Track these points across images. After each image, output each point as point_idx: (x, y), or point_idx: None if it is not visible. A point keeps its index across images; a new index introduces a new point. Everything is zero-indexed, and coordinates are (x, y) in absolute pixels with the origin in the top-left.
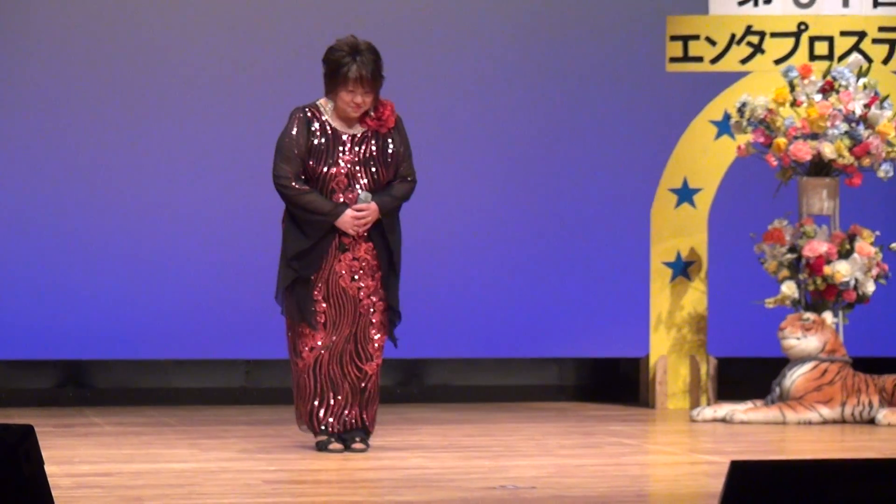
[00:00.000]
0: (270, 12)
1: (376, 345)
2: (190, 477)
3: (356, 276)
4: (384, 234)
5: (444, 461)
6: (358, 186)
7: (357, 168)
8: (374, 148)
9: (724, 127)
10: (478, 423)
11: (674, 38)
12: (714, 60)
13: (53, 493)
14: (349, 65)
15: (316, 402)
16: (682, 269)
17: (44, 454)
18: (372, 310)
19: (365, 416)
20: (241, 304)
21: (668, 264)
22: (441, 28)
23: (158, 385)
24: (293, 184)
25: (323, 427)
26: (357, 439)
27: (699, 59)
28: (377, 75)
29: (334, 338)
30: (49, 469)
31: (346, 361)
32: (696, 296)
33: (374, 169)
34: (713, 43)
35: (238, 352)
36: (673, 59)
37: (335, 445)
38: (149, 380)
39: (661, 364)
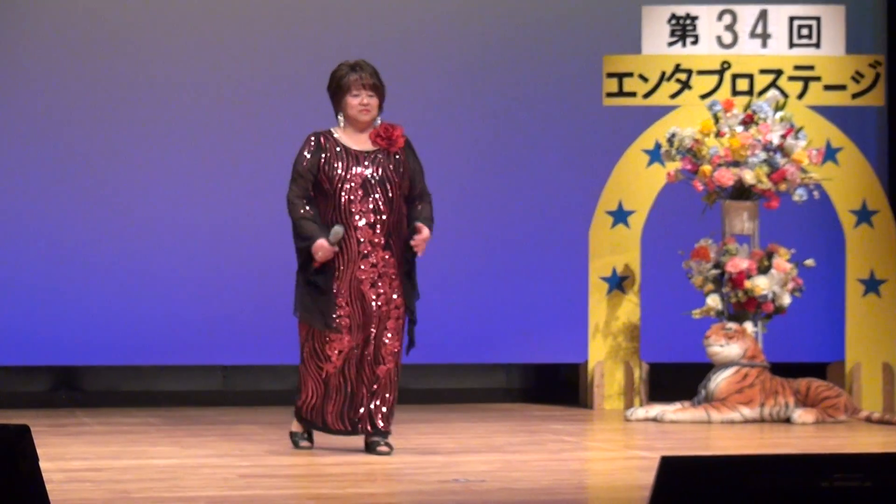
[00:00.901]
0: (271, 28)
1: (389, 349)
2: (172, 471)
3: (376, 283)
4: (403, 245)
5: (403, 457)
6: (367, 209)
7: (371, 184)
8: (386, 165)
9: (655, 155)
10: (433, 423)
11: (610, 75)
12: (646, 95)
13: (47, 486)
14: (349, 73)
15: (345, 405)
16: (618, 283)
17: (38, 451)
18: (388, 316)
19: (376, 414)
20: (219, 314)
21: (605, 279)
22: (396, 65)
23: (143, 388)
24: (295, 204)
25: (348, 427)
26: (379, 443)
27: (633, 94)
28: (378, 80)
29: (355, 341)
30: (43, 465)
31: (363, 365)
32: (630, 307)
33: (387, 185)
34: (645, 79)
35: (215, 358)
36: (609, 94)
37: (305, 443)
38: (134, 383)
39: (598, 369)
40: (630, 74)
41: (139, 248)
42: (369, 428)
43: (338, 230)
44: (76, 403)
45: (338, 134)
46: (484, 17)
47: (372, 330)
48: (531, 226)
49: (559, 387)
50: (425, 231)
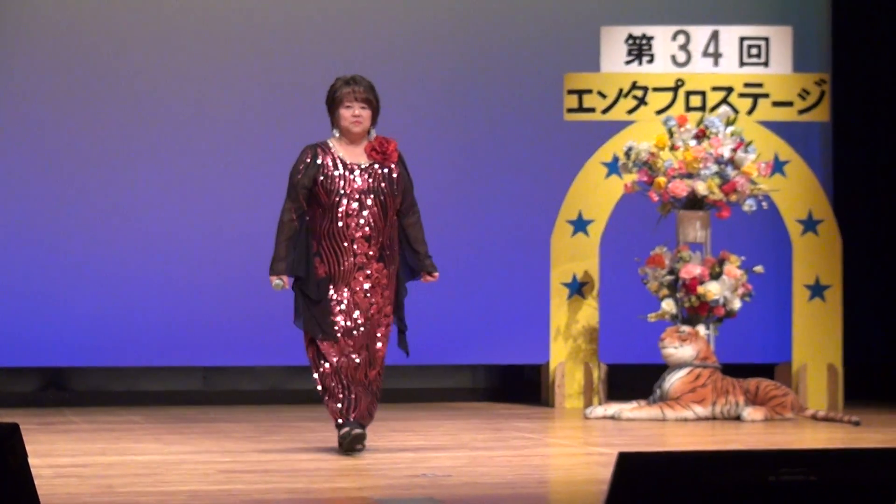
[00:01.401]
0: (262, 41)
1: (380, 353)
2: (155, 467)
3: (368, 294)
4: (395, 260)
5: (374, 454)
6: (364, 217)
7: (366, 197)
8: (381, 177)
9: (613, 168)
10: (402, 421)
11: (570, 91)
12: (605, 111)
13: (36, 481)
14: (343, 87)
15: (341, 404)
16: (578, 288)
17: (28, 448)
18: (379, 323)
19: (365, 413)
20: (200, 318)
21: (566, 284)
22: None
23: (128, 388)
24: (284, 220)
25: (350, 421)
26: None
27: (592, 110)
28: (370, 93)
29: (350, 348)
30: (32, 461)
31: (360, 368)
32: (589, 311)
33: (381, 197)
34: (604, 96)
35: (196, 360)
36: (570, 110)
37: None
38: (119, 384)
39: (559, 370)
40: (589, 91)
41: (124, 255)
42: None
43: (277, 285)
44: (64, 403)
45: (333, 146)
46: (453, 38)
47: (366, 339)
48: (496, 234)
49: (522, 386)
50: (436, 275)
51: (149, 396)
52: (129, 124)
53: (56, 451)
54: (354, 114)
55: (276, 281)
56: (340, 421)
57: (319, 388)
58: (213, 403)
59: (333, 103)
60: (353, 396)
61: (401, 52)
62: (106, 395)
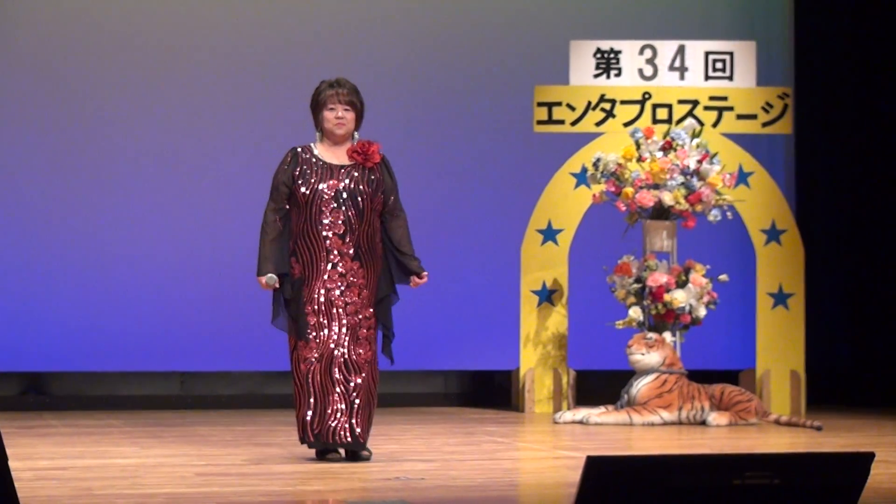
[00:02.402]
0: (248, 47)
1: (363, 357)
2: (133, 470)
3: (344, 292)
4: (376, 262)
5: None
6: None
7: (343, 196)
8: (360, 179)
9: (581, 178)
10: (376, 426)
11: (540, 104)
12: (574, 123)
13: (16, 484)
14: (327, 89)
15: (310, 413)
16: (547, 296)
17: (8, 451)
18: (359, 325)
19: (357, 427)
20: (177, 324)
21: (535, 292)
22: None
23: (106, 393)
24: (267, 220)
25: (316, 435)
26: (359, 452)
27: (561, 122)
28: (354, 95)
29: (323, 349)
30: (12, 464)
31: (334, 372)
32: (558, 318)
33: (359, 198)
34: (573, 108)
35: (174, 365)
36: (539, 122)
37: (333, 455)
38: (98, 388)
39: (529, 375)
40: (559, 103)
41: (103, 261)
42: (349, 439)
43: (270, 280)
44: (43, 407)
45: (316, 148)
46: (425, 51)
47: (343, 338)
48: (467, 242)
49: (493, 392)
50: (425, 279)
51: (127, 401)
52: (110, 133)
53: (36, 455)
54: (338, 115)
55: (265, 280)
56: (317, 435)
57: (297, 396)
58: (191, 408)
59: (317, 105)
60: (321, 408)
61: (373, 64)
62: (85, 400)
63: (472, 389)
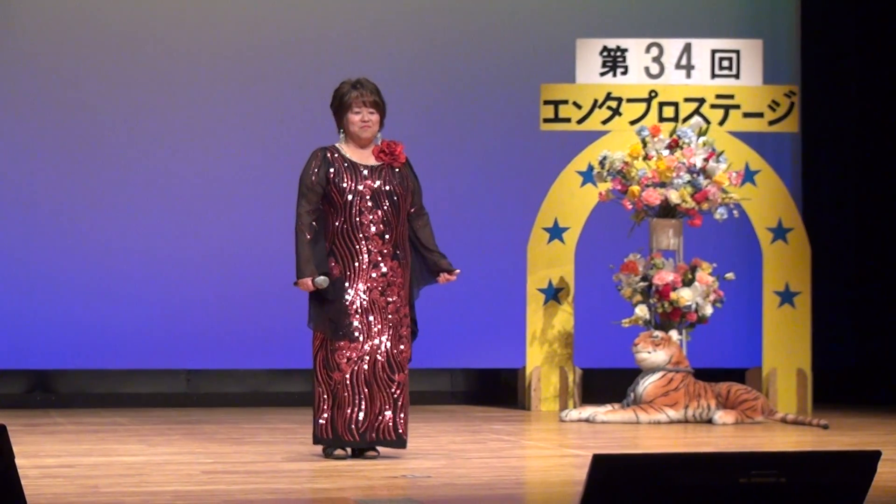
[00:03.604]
0: (259, 46)
1: (405, 356)
2: (139, 468)
3: (385, 292)
4: (408, 261)
5: (355, 455)
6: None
7: (380, 196)
8: (391, 178)
9: (588, 176)
10: None
11: (546, 102)
12: (580, 121)
13: (23, 481)
14: (351, 91)
15: (353, 414)
16: (553, 294)
17: (14, 449)
18: (400, 324)
19: (400, 424)
20: (184, 322)
21: (542, 290)
22: None
23: (113, 391)
24: (303, 221)
25: (356, 437)
26: (375, 450)
27: (567, 120)
28: (378, 97)
29: (368, 348)
30: (19, 462)
31: (379, 370)
32: (564, 317)
33: (395, 198)
34: (579, 106)
35: (180, 363)
36: (546, 120)
37: (340, 452)
38: (104, 386)
39: (535, 373)
40: (565, 102)
41: (110, 260)
42: (392, 436)
43: (322, 282)
44: (50, 404)
45: (342, 149)
46: (432, 50)
47: (384, 338)
48: (474, 241)
49: (499, 390)
50: (456, 273)
51: (133, 398)
52: (116, 131)
53: (42, 452)
54: (363, 119)
55: (314, 281)
56: (355, 435)
57: (324, 395)
58: (197, 406)
59: (341, 107)
60: (366, 407)
61: (378, 64)
62: (91, 398)
63: (479, 387)
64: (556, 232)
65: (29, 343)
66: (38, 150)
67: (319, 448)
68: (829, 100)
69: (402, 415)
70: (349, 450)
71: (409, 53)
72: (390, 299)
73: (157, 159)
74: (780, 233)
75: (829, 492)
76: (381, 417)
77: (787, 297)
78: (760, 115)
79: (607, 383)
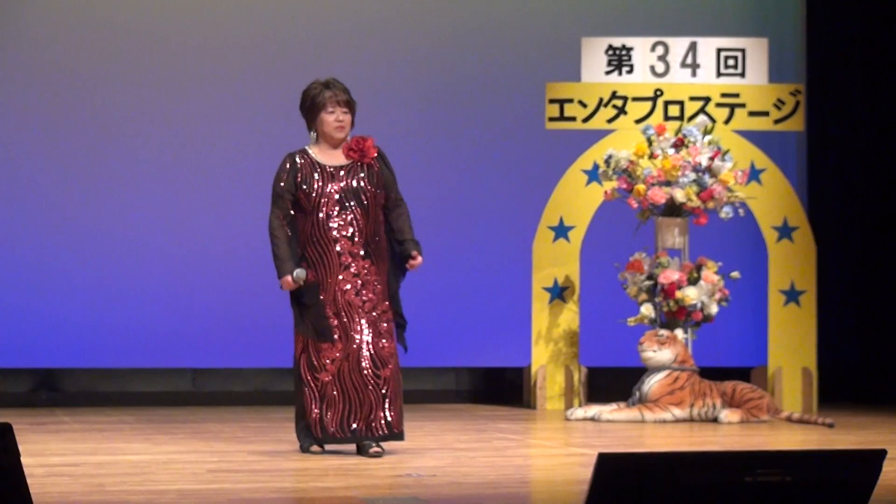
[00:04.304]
0: (243, 51)
1: (388, 351)
2: (144, 466)
3: (360, 291)
4: (383, 256)
5: (359, 453)
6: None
7: (347, 197)
8: (361, 176)
9: (593, 175)
10: None
11: (552, 101)
12: (585, 120)
13: (28, 480)
14: (324, 91)
15: (345, 412)
16: (559, 293)
17: (20, 448)
18: (379, 320)
19: (391, 417)
20: (189, 320)
21: (547, 289)
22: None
23: (118, 389)
24: (274, 226)
25: (347, 434)
26: (375, 446)
27: (573, 119)
28: (350, 97)
29: (351, 347)
30: (25, 460)
31: (364, 368)
32: (570, 315)
33: (362, 197)
34: (584, 105)
35: (185, 361)
36: (551, 119)
37: (316, 448)
38: (110, 385)
39: (540, 372)
40: (570, 100)
41: (115, 258)
42: (385, 431)
43: (300, 274)
44: (55, 403)
45: (312, 151)
46: (437, 48)
47: (365, 335)
48: (480, 239)
49: (505, 389)
50: (419, 260)
51: (139, 397)
52: (119, 130)
53: (48, 451)
54: (338, 119)
55: (293, 276)
56: (313, 434)
57: (314, 394)
58: (202, 404)
59: (314, 107)
60: (355, 405)
61: (384, 62)
62: (97, 396)
63: (484, 386)
64: (561, 231)
65: (34, 342)
66: (43, 149)
67: (319, 448)
68: (834, 98)
69: (391, 408)
70: (324, 447)
71: (414, 52)
72: (366, 298)
73: (163, 158)
74: (785, 231)
75: (835, 491)
76: (371, 414)
77: (792, 295)
78: (766, 113)
79: (613, 382)
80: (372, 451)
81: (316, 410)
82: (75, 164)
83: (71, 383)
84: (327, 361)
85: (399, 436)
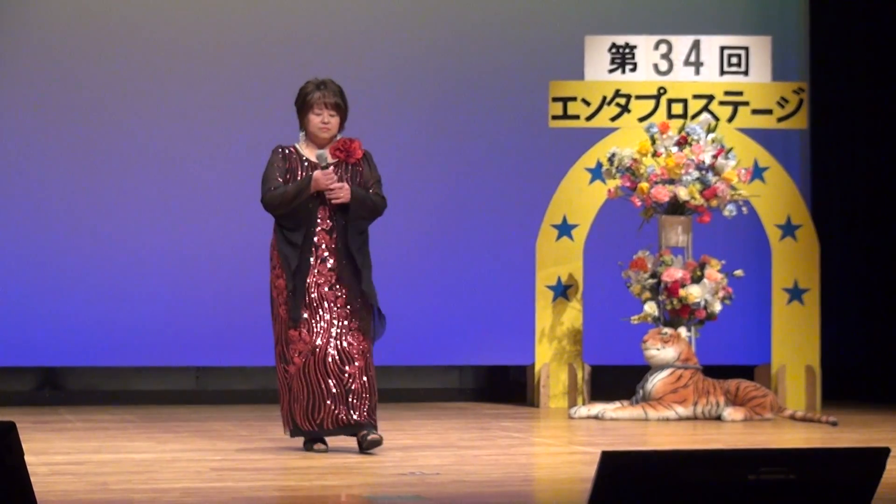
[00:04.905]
0: (239, 48)
1: (357, 348)
2: (148, 465)
3: (334, 286)
4: (350, 251)
5: (360, 450)
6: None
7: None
8: (343, 175)
9: (597, 173)
10: (390, 421)
11: (555, 99)
12: (589, 118)
13: (32, 479)
14: (314, 91)
15: (308, 404)
16: (562, 291)
17: (24, 446)
18: (351, 317)
19: (359, 413)
20: (193, 319)
21: (551, 287)
22: (369, 98)
23: (122, 388)
24: (270, 193)
25: (314, 427)
26: (363, 433)
27: (576, 117)
28: (340, 99)
29: (319, 342)
30: (28, 459)
31: (329, 363)
32: (573, 314)
33: None
34: (588, 103)
35: (189, 360)
36: (555, 117)
37: (319, 446)
38: (113, 383)
39: (544, 370)
40: (574, 99)
41: (119, 257)
42: (346, 422)
43: (323, 162)
44: (59, 402)
45: (300, 148)
46: (440, 46)
47: (334, 331)
48: (483, 238)
49: (508, 387)
50: (346, 187)
51: (142, 396)
52: (123, 128)
53: (52, 450)
54: (324, 120)
55: (321, 169)
56: (315, 427)
57: (280, 389)
58: (206, 403)
59: (304, 106)
60: (319, 398)
61: (388, 61)
62: (100, 395)
63: (488, 384)
64: (564, 229)
65: (38, 340)
66: (46, 148)
67: (321, 447)
68: (838, 96)
69: (355, 401)
70: (328, 445)
71: (418, 50)
72: (339, 293)
73: (168, 157)
74: (788, 229)
75: (839, 489)
76: (336, 409)
77: (795, 293)
78: (769, 111)
79: (616, 380)
80: (370, 437)
81: (286, 405)
82: (78, 162)
83: (74, 382)
84: (295, 354)
85: (363, 426)
